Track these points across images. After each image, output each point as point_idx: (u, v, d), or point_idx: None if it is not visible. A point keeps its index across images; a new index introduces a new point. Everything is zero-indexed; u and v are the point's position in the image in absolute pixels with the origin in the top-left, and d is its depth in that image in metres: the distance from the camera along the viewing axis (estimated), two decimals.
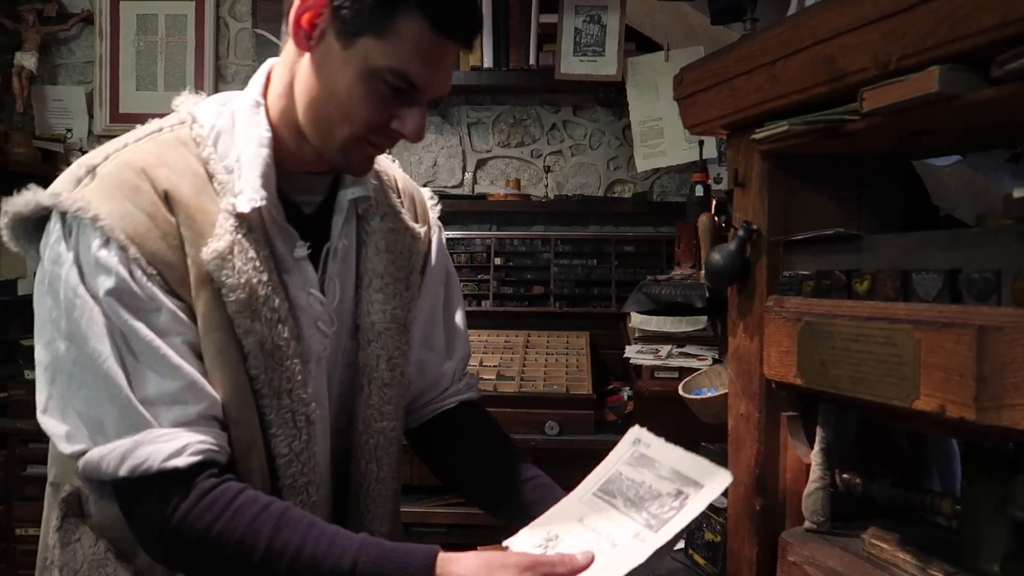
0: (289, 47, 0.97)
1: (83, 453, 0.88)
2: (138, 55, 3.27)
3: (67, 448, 0.89)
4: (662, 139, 2.47)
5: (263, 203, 0.93)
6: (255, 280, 0.92)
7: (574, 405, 2.33)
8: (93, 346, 0.86)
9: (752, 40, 1.16)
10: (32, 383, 2.55)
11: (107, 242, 0.86)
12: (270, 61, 1.04)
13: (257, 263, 0.93)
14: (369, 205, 1.10)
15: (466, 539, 2.03)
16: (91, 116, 3.28)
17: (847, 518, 1.14)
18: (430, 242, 1.20)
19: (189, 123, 0.97)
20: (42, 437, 2.49)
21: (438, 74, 0.93)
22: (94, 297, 0.86)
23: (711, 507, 1.41)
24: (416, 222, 1.17)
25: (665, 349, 2.29)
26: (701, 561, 1.42)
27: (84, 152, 3.13)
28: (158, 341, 0.87)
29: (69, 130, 3.21)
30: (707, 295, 1.28)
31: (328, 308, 1.04)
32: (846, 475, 1.12)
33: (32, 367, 2.53)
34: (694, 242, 1.41)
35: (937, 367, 0.80)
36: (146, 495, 0.87)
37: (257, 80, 1.02)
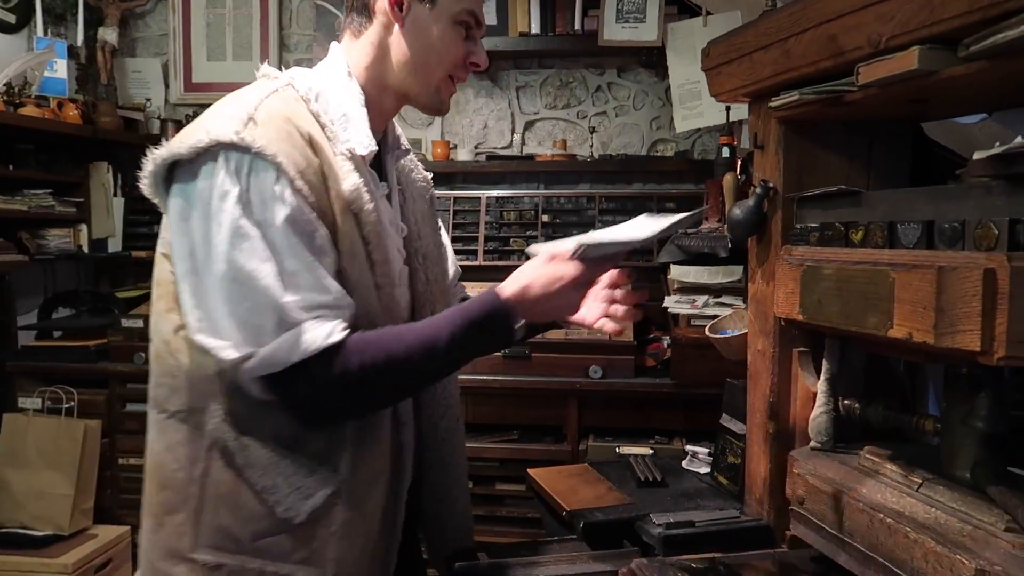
0: (373, 30, 1.20)
1: (248, 357, 1.02)
2: (208, 27, 3.49)
3: (233, 354, 1.03)
4: (700, 101, 2.59)
5: (374, 148, 1.17)
6: (373, 206, 1.13)
7: (616, 351, 2.52)
8: (254, 266, 1.01)
9: (768, 18, 1.30)
10: (129, 330, 2.83)
11: (279, 177, 1.02)
12: (336, 46, 1.24)
13: (373, 194, 1.14)
14: (405, 161, 1.37)
15: (518, 471, 2.25)
16: (167, 86, 3.53)
17: (851, 440, 1.31)
18: None
19: (293, 83, 1.15)
20: (140, 378, 2.78)
21: (482, 14, 1.24)
22: (257, 225, 1.02)
23: (733, 434, 1.60)
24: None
25: (702, 299, 2.45)
26: (724, 481, 1.60)
27: (161, 119, 3.40)
28: (314, 260, 1.05)
29: (148, 99, 3.47)
30: (730, 246, 1.45)
31: (401, 234, 1.29)
32: (847, 401, 1.28)
33: (126, 316, 2.79)
34: (720, 198, 1.56)
35: (907, 301, 0.96)
36: (316, 365, 1.04)
37: (339, 59, 1.21)
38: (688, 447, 1.76)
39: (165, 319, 1.14)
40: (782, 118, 1.34)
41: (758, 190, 1.35)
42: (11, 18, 3.20)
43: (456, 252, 3.13)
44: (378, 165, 1.26)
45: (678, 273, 2.53)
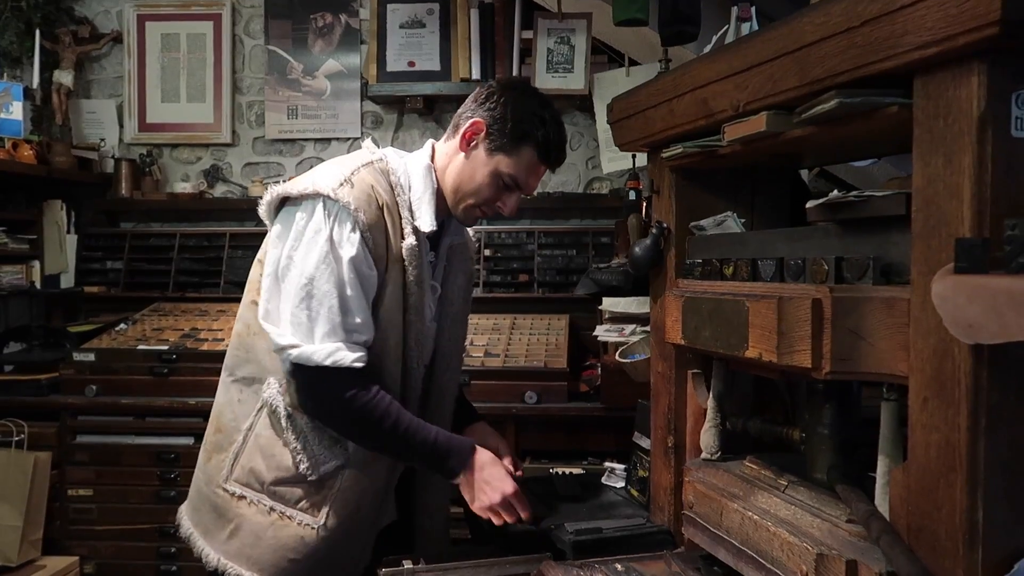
0: (451, 145, 1.56)
1: (293, 346, 1.38)
2: (162, 70, 3.62)
3: (284, 340, 1.39)
4: None
5: (435, 228, 1.51)
6: (419, 264, 1.48)
7: (551, 377, 2.67)
8: (326, 287, 1.38)
9: (658, 81, 1.49)
10: (80, 363, 2.89)
11: (355, 227, 1.40)
12: (431, 141, 1.62)
13: (420, 257, 1.49)
14: (459, 243, 1.69)
15: (458, 493, 2.37)
16: (121, 126, 3.62)
17: (744, 451, 1.47)
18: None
19: (385, 162, 1.53)
20: (90, 411, 2.82)
21: (534, 182, 1.58)
22: (335, 260, 1.38)
23: (643, 449, 1.76)
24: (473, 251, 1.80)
25: (630, 328, 2.62)
26: (636, 493, 1.76)
27: (116, 159, 3.49)
28: (361, 292, 1.41)
29: (102, 139, 3.57)
30: (633, 279, 1.62)
31: (435, 293, 1.62)
32: (732, 416, 1.45)
33: (77, 350, 2.86)
34: (627, 237, 1.73)
35: (758, 326, 1.13)
36: (336, 377, 1.39)
37: (426, 151, 1.59)
38: (607, 464, 1.91)
39: (250, 308, 1.50)
40: (673, 167, 1.52)
41: (654, 230, 1.53)
42: None
43: None
44: (437, 237, 1.60)
45: (609, 304, 2.69)
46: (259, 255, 1.56)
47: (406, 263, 1.46)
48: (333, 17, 3.54)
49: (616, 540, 1.51)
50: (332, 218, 1.39)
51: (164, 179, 3.60)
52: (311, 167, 3.69)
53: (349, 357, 1.38)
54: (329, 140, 3.60)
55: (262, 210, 1.51)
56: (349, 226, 1.39)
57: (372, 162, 1.51)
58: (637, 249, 1.54)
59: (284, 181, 1.52)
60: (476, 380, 2.67)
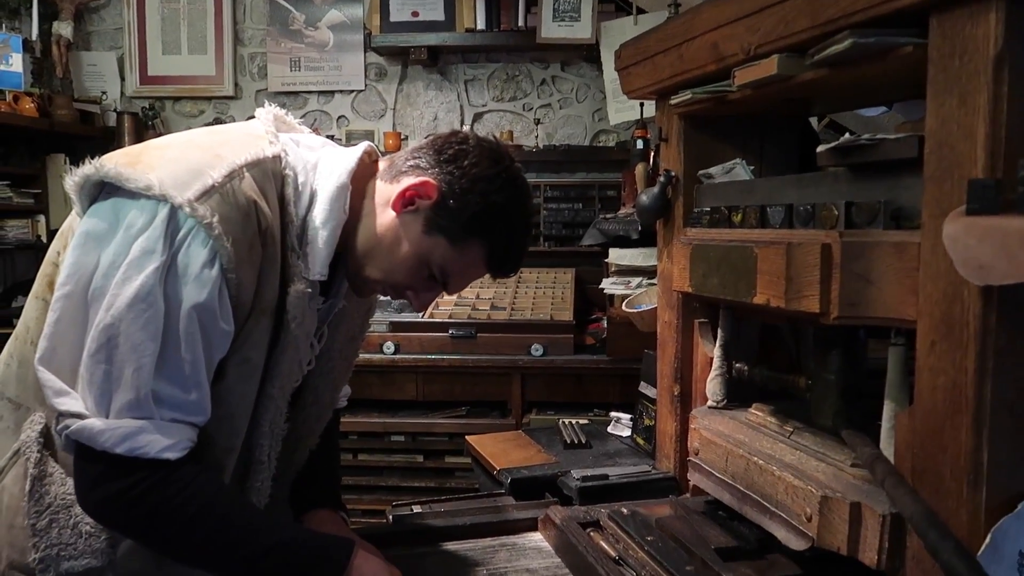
0: (385, 191, 1.12)
1: (75, 415, 0.92)
2: (163, 22, 3.57)
3: (62, 405, 0.93)
4: None
5: (323, 278, 1.09)
6: (304, 321, 1.07)
7: (556, 330, 2.68)
8: (141, 339, 0.91)
9: (667, 26, 1.46)
10: None
11: (213, 260, 0.93)
12: (366, 144, 1.16)
13: (307, 310, 1.07)
14: None
15: (463, 444, 2.40)
16: (122, 79, 3.60)
17: (749, 399, 1.47)
18: None
19: (283, 158, 1.05)
20: None
21: (462, 284, 1.17)
22: (167, 301, 0.92)
23: (648, 399, 1.77)
24: None
25: (636, 280, 2.62)
26: (641, 442, 1.78)
27: (118, 112, 3.45)
28: (203, 356, 0.95)
29: (104, 92, 3.54)
30: (640, 229, 1.61)
31: (314, 352, 1.19)
32: (739, 365, 1.46)
33: None
34: (635, 186, 1.72)
35: (766, 272, 1.13)
36: (135, 475, 0.93)
37: (349, 160, 1.11)
38: (613, 414, 1.93)
39: (35, 305, 1.05)
40: (682, 114, 1.50)
41: (662, 179, 1.52)
42: None
43: None
44: (332, 270, 1.15)
45: (615, 256, 2.69)
46: (63, 228, 1.07)
47: (289, 317, 1.03)
48: None
49: (622, 486, 1.54)
50: (177, 240, 0.93)
51: (167, 133, 3.57)
52: (316, 121, 3.64)
53: (157, 445, 0.93)
54: (333, 93, 3.56)
55: (70, 185, 0.98)
56: (205, 257, 0.93)
57: (263, 160, 1.02)
58: (644, 198, 1.53)
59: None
60: (482, 333, 2.69)
